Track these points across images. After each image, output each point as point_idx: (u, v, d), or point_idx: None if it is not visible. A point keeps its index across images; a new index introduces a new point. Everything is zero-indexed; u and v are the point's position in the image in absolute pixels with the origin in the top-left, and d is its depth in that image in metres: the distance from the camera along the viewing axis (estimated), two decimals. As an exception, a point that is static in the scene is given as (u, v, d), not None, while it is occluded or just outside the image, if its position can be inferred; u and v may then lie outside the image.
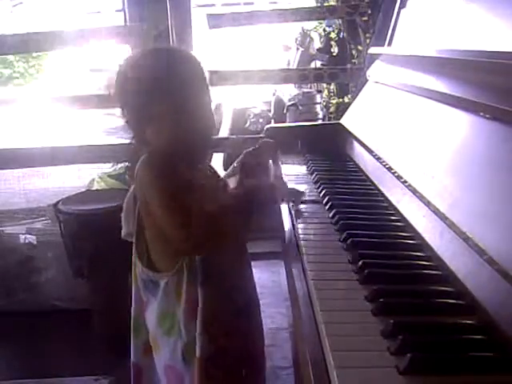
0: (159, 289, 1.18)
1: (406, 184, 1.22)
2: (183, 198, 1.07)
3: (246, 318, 1.25)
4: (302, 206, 1.35)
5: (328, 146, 1.85)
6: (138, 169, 1.12)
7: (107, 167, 3.27)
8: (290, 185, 1.45)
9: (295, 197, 1.35)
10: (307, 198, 1.39)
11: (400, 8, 1.84)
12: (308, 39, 5.06)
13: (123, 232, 1.25)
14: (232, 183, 1.31)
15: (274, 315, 2.61)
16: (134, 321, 1.28)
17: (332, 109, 4.65)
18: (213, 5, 10.90)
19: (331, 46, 4.84)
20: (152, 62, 1.17)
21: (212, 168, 1.33)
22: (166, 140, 1.14)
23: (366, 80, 1.93)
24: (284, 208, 1.38)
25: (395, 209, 1.25)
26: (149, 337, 1.26)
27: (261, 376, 1.33)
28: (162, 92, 1.12)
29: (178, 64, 1.17)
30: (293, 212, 1.31)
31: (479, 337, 0.78)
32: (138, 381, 1.30)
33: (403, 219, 1.19)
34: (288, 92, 4.90)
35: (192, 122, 1.15)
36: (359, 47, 3.80)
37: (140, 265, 1.19)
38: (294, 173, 1.65)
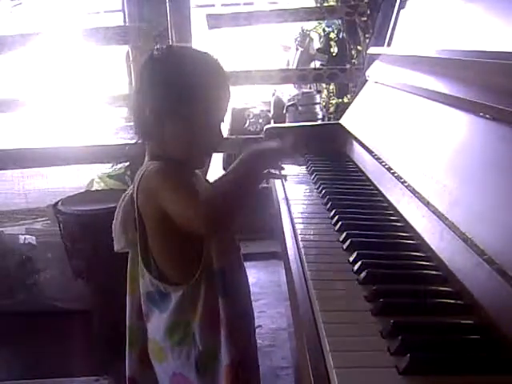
0: (170, 301, 1.15)
1: (406, 184, 1.22)
2: (191, 183, 1.08)
3: (251, 320, 1.29)
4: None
5: (327, 147, 1.85)
6: (147, 179, 1.09)
7: (107, 167, 3.27)
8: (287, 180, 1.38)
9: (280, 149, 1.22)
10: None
11: (399, 8, 1.85)
12: (307, 39, 5.06)
13: (121, 245, 1.21)
14: None
15: (273, 315, 2.61)
16: (129, 332, 1.26)
17: (331, 109, 4.66)
18: (212, 5, 10.90)
19: (331, 47, 4.84)
20: (190, 61, 1.13)
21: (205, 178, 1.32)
22: (185, 143, 1.12)
23: (366, 80, 1.94)
24: (283, 207, 1.38)
25: (395, 209, 1.25)
26: (147, 347, 1.24)
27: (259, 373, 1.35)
28: (195, 94, 1.09)
29: (215, 70, 1.15)
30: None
31: (479, 337, 0.78)
32: None
33: (403, 219, 1.19)
34: (287, 92, 4.90)
35: (211, 127, 1.14)
36: (359, 47, 3.80)
37: (149, 276, 1.16)
38: (293, 173, 1.65)
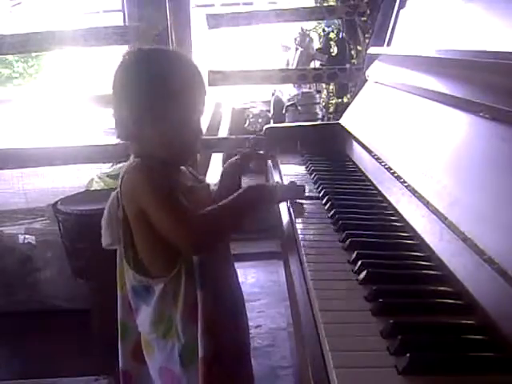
0: (153, 294, 1.18)
1: (405, 184, 1.22)
2: (179, 199, 1.09)
3: (238, 316, 1.29)
4: (304, 202, 1.34)
5: (327, 146, 1.85)
6: (129, 177, 1.12)
7: (106, 167, 3.27)
8: (287, 181, 1.43)
9: (296, 192, 1.33)
10: (308, 194, 1.38)
11: (399, 8, 1.85)
12: (307, 39, 5.06)
13: (107, 241, 1.24)
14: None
15: (273, 315, 2.61)
16: (121, 326, 1.29)
17: (331, 109, 4.66)
18: (212, 5, 10.91)
19: (330, 46, 4.84)
20: (163, 60, 1.16)
21: (192, 170, 1.33)
22: (165, 141, 1.14)
23: (365, 80, 1.94)
24: (283, 207, 1.38)
25: (394, 209, 1.25)
26: (140, 340, 1.27)
27: (251, 370, 1.35)
28: (170, 92, 1.11)
29: (187, 66, 1.17)
30: (293, 208, 1.31)
31: (478, 337, 0.78)
32: None
33: (402, 219, 1.19)
34: (287, 92, 4.90)
35: (189, 124, 1.16)
36: (358, 47, 3.80)
37: (131, 271, 1.19)
38: (293, 173, 1.65)
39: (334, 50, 4.78)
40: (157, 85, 1.11)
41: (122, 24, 3.18)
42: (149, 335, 1.23)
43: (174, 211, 1.07)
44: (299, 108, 4.47)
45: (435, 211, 1.03)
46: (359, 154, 1.66)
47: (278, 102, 4.89)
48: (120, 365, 1.30)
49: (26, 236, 2.87)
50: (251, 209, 1.20)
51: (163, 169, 1.12)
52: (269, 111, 5.12)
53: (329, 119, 4.49)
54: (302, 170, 1.69)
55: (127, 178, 1.12)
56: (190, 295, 1.16)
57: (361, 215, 1.25)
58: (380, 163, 1.43)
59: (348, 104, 2.12)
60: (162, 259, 1.17)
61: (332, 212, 1.27)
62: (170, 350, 1.19)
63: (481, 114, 1.05)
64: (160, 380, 1.24)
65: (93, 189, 3.14)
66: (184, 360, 1.19)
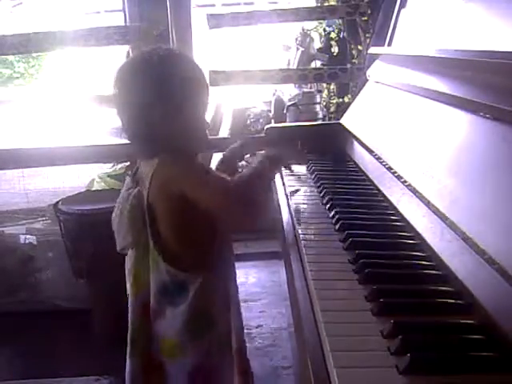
0: (187, 291, 1.18)
1: (406, 184, 1.22)
2: (216, 173, 1.22)
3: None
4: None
5: (328, 146, 1.85)
6: (163, 172, 1.15)
7: (107, 167, 3.27)
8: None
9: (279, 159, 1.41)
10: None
11: (400, 8, 1.84)
12: (308, 39, 5.05)
13: (123, 244, 1.23)
14: None
15: (274, 315, 2.61)
16: (132, 333, 1.24)
17: (332, 109, 4.66)
18: (213, 5, 10.90)
19: (331, 46, 4.84)
20: (176, 60, 1.22)
21: None
22: (184, 133, 1.20)
23: (366, 80, 1.93)
24: (284, 207, 1.38)
25: (395, 208, 1.25)
26: (150, 351, 1.22)
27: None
28: (186, 90, 1.17)
29: (192, 65, 1.23)
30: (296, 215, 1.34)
31: (479, 336, 0.78)
32: None
33: (403, 219, 1.19)
34: (288, 92, 4.90)
35: (201, 116, 1.24)
36: (359, 47, 3.80)
37: (165, 267, 1.18)
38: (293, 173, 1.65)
39: (335, 50, 4.77)
40: (174, 84, 1.16)
41: (122, 24, 3.18)
42: (177, 337, 1.20)
43: (219, 182, 1.15)
44: (300, 108, 4.46)
45: (436, 211, 1.03)
46: (360, 154, 1.66)
47: (279, 102, 4.89)
48: (128, 376, 1.24)
49: (27, 236, 2.87)
50: (267, 173, 1.31)
51: (190, 155, 1.20)
52: (270, 111, 5.12)
53: (330, 119, 4.49)
54: (302, 169, 1.69)
55: (160, 175, 1.15)
56: (223, 286, 1.25)
57: (361, 215, 1.25)
58: (381, 163, 1.43)
59: (349, 104, 2.11)
60: (197, 251, 1.20)
61: (333, 212, 1.27)
62: (208, 345, 1.21)
63: (482, 114, 1.05)
64: (189, 377, 1.20)
65: (94, 189, 3.15)
66: (223, 348, 1.23)
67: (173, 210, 1.16)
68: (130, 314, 1.25)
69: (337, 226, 1.20)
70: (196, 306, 1.18)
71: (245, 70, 3.07)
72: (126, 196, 1.22)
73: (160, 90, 1.14)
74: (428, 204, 1.08)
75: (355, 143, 1.74)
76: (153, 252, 1.18)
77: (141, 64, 1.19)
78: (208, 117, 1.30)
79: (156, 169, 1.15)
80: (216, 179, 1.17)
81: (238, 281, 1.34)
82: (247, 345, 1.32)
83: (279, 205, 1.42)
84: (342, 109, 3.80)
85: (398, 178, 1.28)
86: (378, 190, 1.40)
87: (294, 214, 1.33)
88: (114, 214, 1.26)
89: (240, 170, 1.43)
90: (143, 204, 1.17)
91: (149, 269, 1.19)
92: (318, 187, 1.48)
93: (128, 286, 1.26)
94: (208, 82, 1.27)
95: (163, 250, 1.18)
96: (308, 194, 1.49)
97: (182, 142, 1.19)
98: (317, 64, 4.97)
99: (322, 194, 1.42)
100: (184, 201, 1.12)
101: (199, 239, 1.20)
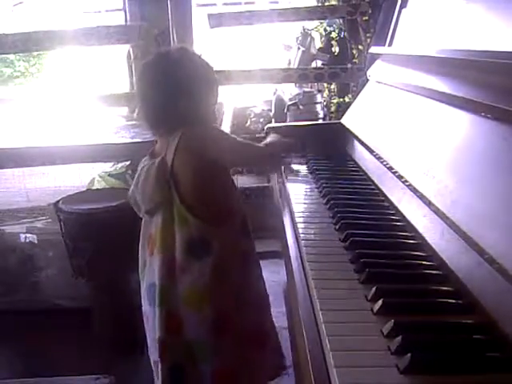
0: (211, 248, 1.33)
1: (407, 183, 1.22)
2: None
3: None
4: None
5: (328, 146, 1.85)
6: (197, 140, 1.36)
7: (108, 166, 3.27)
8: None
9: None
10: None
11: (401, 8, 1.84)
12: (309, 39, 5.04)
13: (150, 204, 1.39)
14: None
15: (275, 315, 2.60)
16: (161, 290, 1.35)
17: (333, 108, 4.65)
18: (214, 4, 10.89)
19: (332, 46, 4.84)
20: (195, 57, 1.46)
21: None
22: (205, 114, 1.44)
23: (367, 80, 1.93)
24: (284, 206, 1.38)
25: (396, 208, 1.25)
26: (172, 309, 1.34)
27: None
28: (208, 80, 1.44)
29: (208, 62, 1.48)
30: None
31: (479, 336, 0.78)
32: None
33: (404, 219, 1.19)
34: (289, 91, 4.89)
35: (212, 102, 1.47)
36: (360, 47, 3.80)
37: (194, 222, 1.32)
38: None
39: (336, 50, 4.77)
40: (199, 75, 1.41)
41: (123, 23, 3.18)
42: (204, 287, 1.33)
43: (248, 141, 1.56)
44: (301, 107, 4.45)
45: (436, 211, 1.03)
46: (360, 154, 1.66)
47: (280, 102, 4.88)
48: (158, 334, 1.35)
49: (28, 235, 2.87)
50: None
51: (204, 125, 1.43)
52: (270, 110, 5.11)
53: (330, 118, 4.48)
54: (303, 169, 1.69)
55: (188, 141, 1.34)
56: (245, 242, 1.44)
57: (362, 215, 1.25)
58: (381, 162, 1.43)
59: (349, 103, 2.11)
60: (222, 211, 1.38)
61: (333, 211, 1.27)
62: (228, 294, 1.35)
63: (482, 114, 1.05)
64: (214, 325, 1.33)
65: (94, 188, 3.15)
66: (239, 303, 1.37)
67: (202, 171, 1.34)
68: (158, 273, 1.36)
69: (337, 226, 1.20)
70: (220, 258, 1.33)
71: (246, 70, 3.08)
72: (149, 165, 1.38)
73: (181, 84, 1.37)
74: (429, 204, 1.08)
75: (356, 143, 1.74)
76: (179, 209, 1.33)
77: (161, 61, 1.41)
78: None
79: (182, 137, 1.34)
80: (244, 139, 1.49)
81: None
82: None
83: (279, 204, 1.42)
84: (342, 108, 3.80)
85: (399, 177, 1.28)
86: (379, 189, 1.40)
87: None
88: (132, 187, 1.44)
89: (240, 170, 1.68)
90: (167, 169, 1.34)
91: (173, 234, 1.34)
92: (319, 187, 1.48)
93: (148, 251, 1.41)
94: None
95: (190, 206, 1.33)
96: (308, 193, 1.49)
97: (206, 118, 1.43)
98: (317, 64, 4.97)
99: (322, 194, 1.42)
100: (208, 160, 1.33)
101: (221, 198, 1.39)
